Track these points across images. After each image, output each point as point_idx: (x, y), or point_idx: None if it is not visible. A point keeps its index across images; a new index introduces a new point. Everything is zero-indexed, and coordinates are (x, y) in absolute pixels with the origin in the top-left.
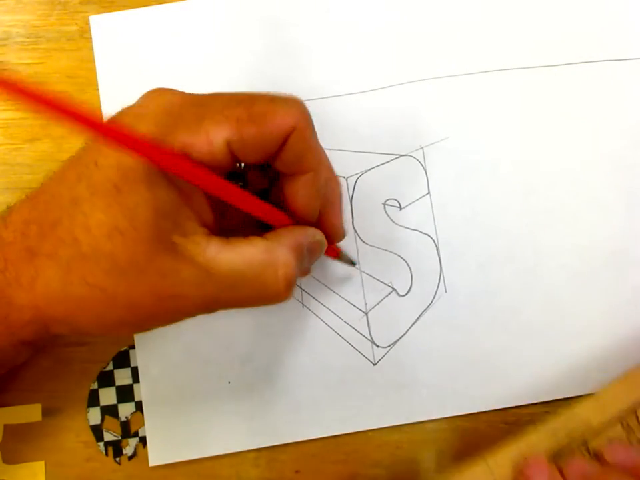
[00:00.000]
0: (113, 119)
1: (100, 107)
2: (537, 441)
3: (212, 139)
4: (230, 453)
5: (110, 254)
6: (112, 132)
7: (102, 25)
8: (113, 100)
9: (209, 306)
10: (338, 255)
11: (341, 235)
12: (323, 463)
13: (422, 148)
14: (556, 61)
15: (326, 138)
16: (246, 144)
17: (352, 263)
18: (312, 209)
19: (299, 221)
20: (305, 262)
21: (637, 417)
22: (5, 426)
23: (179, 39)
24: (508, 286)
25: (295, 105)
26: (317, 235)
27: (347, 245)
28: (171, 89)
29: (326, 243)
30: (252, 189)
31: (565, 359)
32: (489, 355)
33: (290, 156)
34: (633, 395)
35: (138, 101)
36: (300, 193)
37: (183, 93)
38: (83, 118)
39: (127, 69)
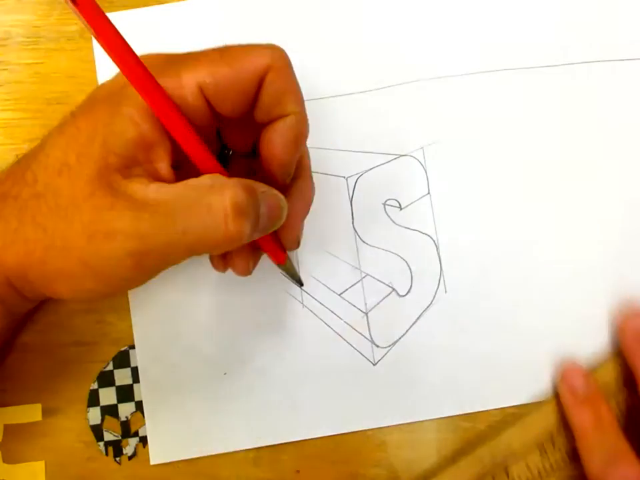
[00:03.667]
0: None
1: None
2: (465, 466)
3: (185, 82)
4: (230, 453)
5: (56, 191)
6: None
7: None
8: None
9: (147, 245)
10: (283, 260)
11: (307, 201)
12: (323, 462)
13: (422, 148)
14: (557, 61)
15: (326, 138)
16: (219, 87)
17: (299, 282)
18: (289, 156)
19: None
20: (262, 217)
21: (552, 441)
22: (5, 426)
23: (179, 39)
24: (508, 286)
25: (269, 47)
26: (278, 195)
27: (347, 244)
28: (152, 53)
29: (286, 210)
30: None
31: (565, 359)
32: (488, 355)
33: (268, 99)
34: (548, 421)
35: None
36: (279, 139)
37: (163, 53)
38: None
39: None
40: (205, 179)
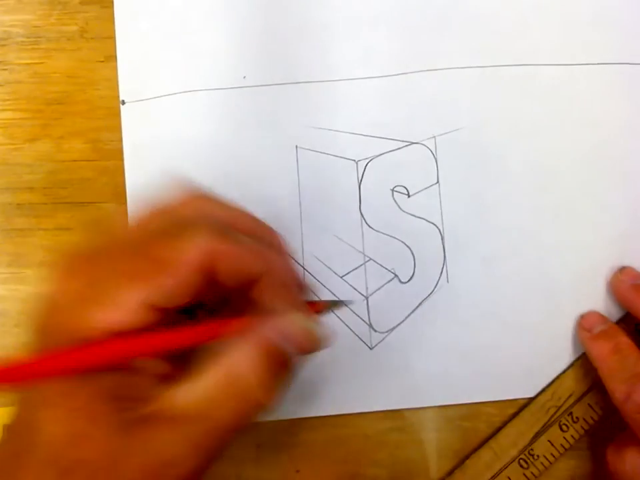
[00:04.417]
0: None
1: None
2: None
3: (125, 308)
4: (230, 453)
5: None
6: None
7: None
8: (130, 90)
9: (204, 458)
10: (320, 308)
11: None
12: (323, 462)
13: (434, 137)
14: (574, 61)
15: (340, 120)
16: (168, 298)
17: (339, 304)
18: (285, 301)
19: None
20: (292, 356)
21: (531, 453)
22: (5, 426)
23: (199, 20)
24: (510, 281)
25: (195, 233)
26: (296, 320)
27: (352, 228)
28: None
29: (316, 333)
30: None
31: (564, 357)
32: (486, 348)
33: (260, 297)
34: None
35: None
36: (266, 297)
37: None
38: None
39: (147, 47)
40: (218, 375)
